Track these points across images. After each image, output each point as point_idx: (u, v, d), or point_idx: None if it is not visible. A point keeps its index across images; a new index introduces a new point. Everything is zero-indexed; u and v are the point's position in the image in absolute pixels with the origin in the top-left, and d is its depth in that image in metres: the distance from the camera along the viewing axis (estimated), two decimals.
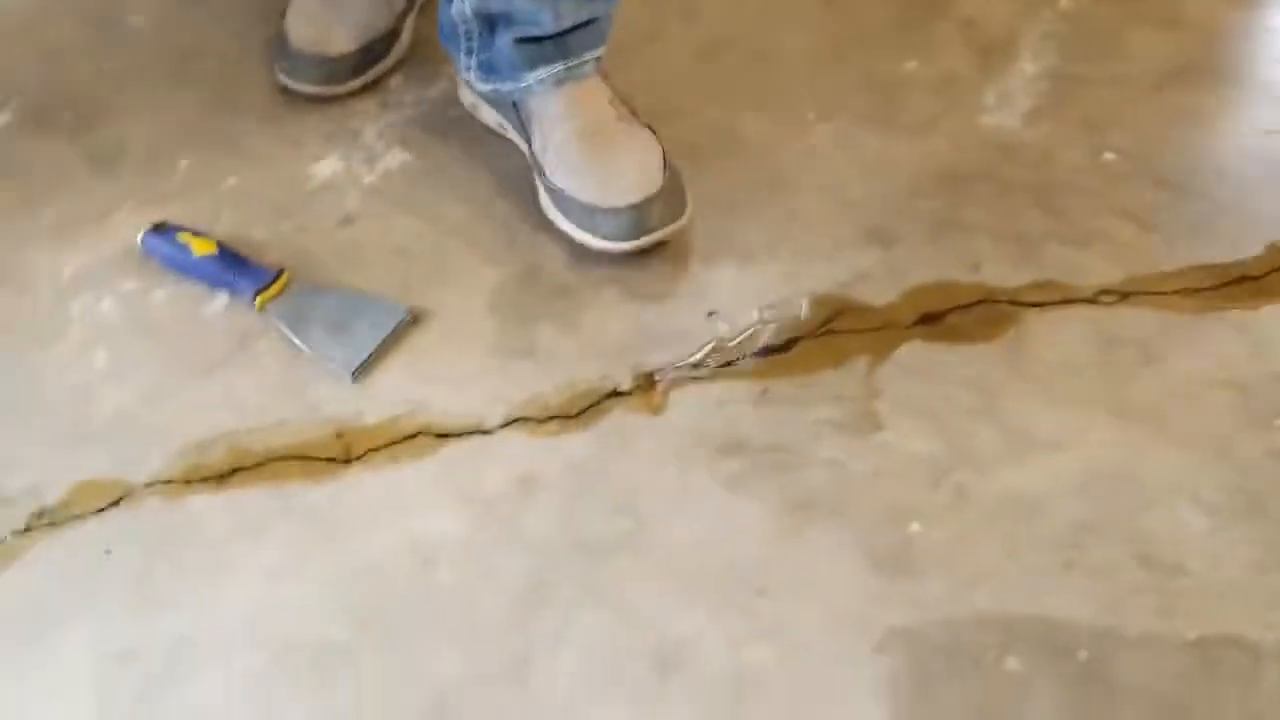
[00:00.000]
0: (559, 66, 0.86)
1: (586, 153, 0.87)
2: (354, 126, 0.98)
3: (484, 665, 0.69)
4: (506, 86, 0.89)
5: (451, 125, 0.98)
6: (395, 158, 0.96)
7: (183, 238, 0.88)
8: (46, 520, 0.76)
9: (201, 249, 0.88)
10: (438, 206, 0.93)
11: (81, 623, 0.71)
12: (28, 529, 0.75)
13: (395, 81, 1.02)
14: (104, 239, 0.91)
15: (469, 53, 0.90)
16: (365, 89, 1.00)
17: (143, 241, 0.89)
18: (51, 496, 0.77)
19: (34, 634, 0.71)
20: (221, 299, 0.88)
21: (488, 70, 0.90)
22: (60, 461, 0.78)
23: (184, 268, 0.88)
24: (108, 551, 0.74)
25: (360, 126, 0.98)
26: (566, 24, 0.85)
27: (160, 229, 0.89)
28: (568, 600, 0.72)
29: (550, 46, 0.86)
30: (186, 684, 0.69)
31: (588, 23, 0.86)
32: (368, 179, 0.95)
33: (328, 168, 0.96)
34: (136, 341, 0.85)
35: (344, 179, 0.95)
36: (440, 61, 1.01)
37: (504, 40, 0.86)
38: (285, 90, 1.00)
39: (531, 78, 0.87)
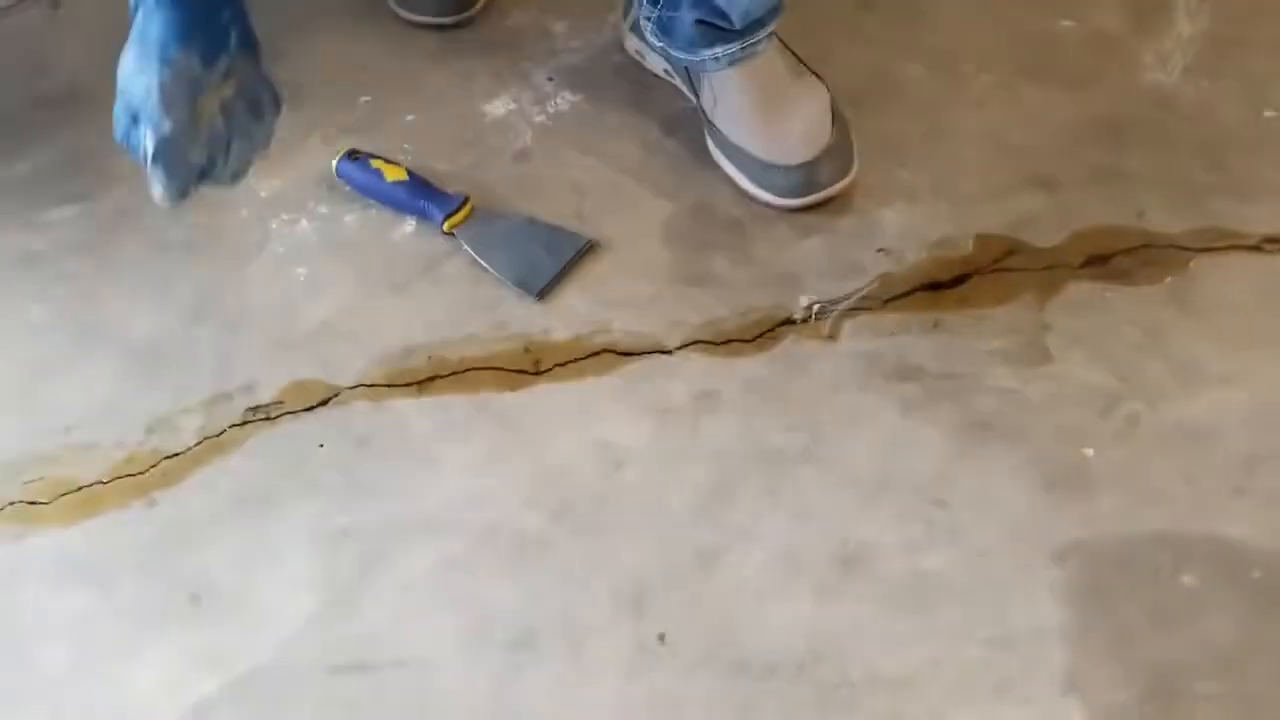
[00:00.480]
0: (735, 47, 0.88)
1: (758, 113, 0.89)
2: (522, 69, 1.03)
3: (674, 556, 0.74)
4: (679, 55, 0.91)
5: (616, 70, 1.02)
6: (564, 99, 1.01)
7: (375, 164, 0.94)
8: (262, 415, 0.82)
9: (393, 175, 0.93)
10: (607, 145, 0.97)
11: (300, 505, 0.77)
12: (245, 422, 0.82)
13: (560, 27, 1.06)
14: (296, 165, 0.97)
15: (654, 2, 0.91)
16: (531, 34, 1.05)
17: (337, 167, 0.95)
18: (265, 395, 0.83)
19: (257, 514, 0.77)
20: (408, 225, 0.93)
21: (664, 29, 0.92)
22: (270, 364, 0.84)
23: (376, 192, 0.94)
24: (321, 445, 0.80)
25: (528, 69, 1.03)
26: (750, 20, 0.86)
27: (354, 155, 0.95)
28: (751, 503, 0.76)
29: (730, 33, 0.87)
30: (399, 561, 0.74)
31: (769, 10, 0.87)
32: (538, 118, 1.00)
33: (500, 107, 1.01)
34: (332, 260, 0.91)
35: (516, 117, 1.00)
36: (603, 9, 1.05)
37: (688, 14, 0.88)
38: (399, 19, 1.03)
39: (707, 55, 0.89)
